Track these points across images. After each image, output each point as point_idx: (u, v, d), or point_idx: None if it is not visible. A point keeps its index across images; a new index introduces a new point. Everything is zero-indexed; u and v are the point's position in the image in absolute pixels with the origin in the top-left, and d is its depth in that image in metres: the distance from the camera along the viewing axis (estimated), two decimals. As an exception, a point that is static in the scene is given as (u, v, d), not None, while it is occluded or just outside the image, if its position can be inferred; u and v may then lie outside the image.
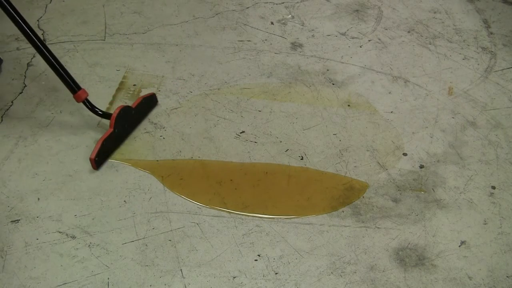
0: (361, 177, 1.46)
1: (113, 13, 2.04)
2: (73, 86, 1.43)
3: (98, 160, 1.39)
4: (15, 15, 1.34)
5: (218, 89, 1.73)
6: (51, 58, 1.39)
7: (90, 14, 2.03)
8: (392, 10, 2.15)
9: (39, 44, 1.37)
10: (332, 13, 2.11)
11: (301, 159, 1.51)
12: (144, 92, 1.69)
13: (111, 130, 1.41)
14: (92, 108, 1.47)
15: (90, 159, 1.38)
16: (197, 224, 1.33)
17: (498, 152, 1.55)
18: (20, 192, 1.38)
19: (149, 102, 1.58)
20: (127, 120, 1.49)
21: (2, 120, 1.58)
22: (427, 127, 1.63)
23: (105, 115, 1.48)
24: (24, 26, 1.34)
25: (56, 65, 1.40)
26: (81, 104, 1.63)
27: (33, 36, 1.36)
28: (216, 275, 1.22)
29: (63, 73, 1.41)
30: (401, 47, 1.95)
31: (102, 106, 1.64)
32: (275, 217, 1.36)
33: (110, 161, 1.46)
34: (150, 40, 1.92)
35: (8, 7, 1.32)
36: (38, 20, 1.98)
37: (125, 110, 1.45)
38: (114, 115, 1.42)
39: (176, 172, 1.45)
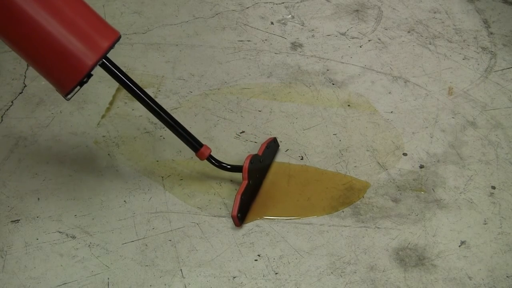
0: (361, 177, 1.46)
1: (113, 13, 2.04)
2: (194, 144, 1.33)
3: (241, 216, 1.31)
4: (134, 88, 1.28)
5: (218, 89, 1.73)
6: (170, 120, 1.31)
7: (90, 14, 2.03)
8: (392, 10, 2.15)
9: (156, 107, 1.30)
10: (332, 13, 2.11)
11: (301, 159, 1.51)
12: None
13: (246, 182, 1.32)
14: (219, 164, 1.37)
15: (233, 217, 1.29)
16: (197, 224, 1.33)
17: (498, 152, 1.55)
18: (20, 192, 1.38)
19: (273, 146, 1.49)
20: (258, 168, 1.40)
21: (2, 120, 1.58)
22: (427, 127, 1.63)
23: (235, 168, 1.38)
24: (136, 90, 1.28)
25: (175, 125, 1.32)
26: (81, 104, 1.63)
27: (151, 103, 1.30)
28: (216, 275, 1.22)
29: (183, 132, 1.32)
30: (401, 47, 1.95)
31: (102, 106, 1.64)
32: (275, 217, 1.36)
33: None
34: (150, 40, 1.92)
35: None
36: (38, 20, 1.98)
37: (254, 158, 1.36)
38: (246, 166, 1.32)
39: (176, 172, 1.45)
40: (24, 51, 1.12)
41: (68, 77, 1.14)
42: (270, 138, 1.49)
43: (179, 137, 1.33)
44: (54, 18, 1.09)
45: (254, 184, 1.38)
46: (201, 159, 1.35)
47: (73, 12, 1.13)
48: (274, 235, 1.31)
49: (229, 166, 1.38)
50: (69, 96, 1.17)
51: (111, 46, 1.17)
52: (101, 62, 1.18)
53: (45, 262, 1.23)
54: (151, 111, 1.31)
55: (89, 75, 1.16)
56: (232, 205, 1.30)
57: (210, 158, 1.37)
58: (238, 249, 1.28)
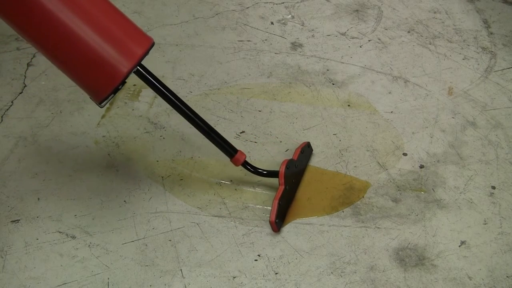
0: (361, 177, 1.46)
1: (113, 13, 2.04)
2: (230, 151, 1.31)
3: (278, 221, 1.30)
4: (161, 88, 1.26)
5: (218, 89, 1.73)
6: (204, 126, 1.29)
7: (90, 14, 2.03)
8: (392, 10, 2.15)
9: (191, 115, 1.28)
10: (332, 13, 2.11)
11: (301, 159, 1.51)
12: (145, 93, 1.69)
13: (283, 187, 1.31)
14: (255, 170, 1.36)
15: (271, 222, 1.29)
16: (197, 224, 1.33)
17: (498, 152, 1.55)
18: (20, 192, 1.38)
19: (306, 151, 1.49)
20: (293, 173, 1.38)
21: (2, 120, 1.58)
22: (427, 127, 1.63)
23: (271, 173, 1.37)
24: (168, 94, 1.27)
25: (211, 132, 1.30)
26: (81, 104, 1.64)
27: (182, 107, 1.28)
28: (216, 275, 1.22)
29: (218, 139, 1.30)
30: (401, 47, 1.95)
31: (102, 106, 1.64)
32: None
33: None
34: (150, 40, 1.92)
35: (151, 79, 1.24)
36: (38, 20, 1.98)
37: (290, 163, 1.35)
38: (282, 172, 1.31)
39: (176, 172, 1.45)
40: (58, 59, 1.11)
41: (103, 85, 1.12)
42: (304, 142, 1.49)
43: (214, 143, 1.32)
44: (88, 25, 1.08)
45: (290, 189, 1.37)
46: (236, 165, 1.34)
47: (107, 19, 1.11)
48: (274, 235, 1.31)
49: (265, 172, 1.37)
50: (103, 104, 1.16)
51: (146, 53, 1.15)
52: (135, 69, 1.17)
53: (45, 262, 1.23)
54: (186, 118, 1.29)
55: (123, 82, 1.14)
56: (270, 211, 1.30)
57: (246, 164, 1.35)
58: (238, 249, 1.28)
